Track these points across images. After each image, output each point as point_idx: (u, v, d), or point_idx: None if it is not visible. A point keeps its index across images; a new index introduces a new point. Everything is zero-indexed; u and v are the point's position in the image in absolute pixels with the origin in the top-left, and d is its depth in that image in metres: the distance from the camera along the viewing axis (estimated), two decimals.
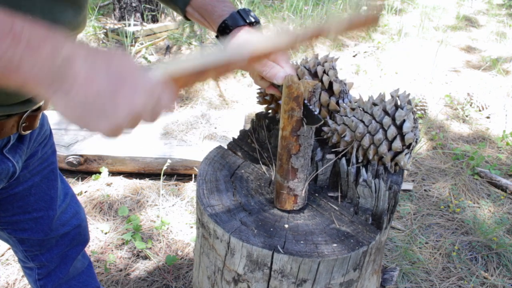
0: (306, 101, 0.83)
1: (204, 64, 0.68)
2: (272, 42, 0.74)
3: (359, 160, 1.00)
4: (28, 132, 1.03)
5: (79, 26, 0.90)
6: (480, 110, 3.68)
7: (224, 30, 0.97)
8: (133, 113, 0.61)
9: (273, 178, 1.03)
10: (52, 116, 2.16)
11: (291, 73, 0.88)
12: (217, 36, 1.02)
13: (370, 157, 0.97)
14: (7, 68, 0.55)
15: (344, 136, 0.98)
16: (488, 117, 3.64)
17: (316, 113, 0.83)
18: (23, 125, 0.98)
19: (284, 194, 0.92)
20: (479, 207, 2.65)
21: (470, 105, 3.71)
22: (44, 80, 0.57)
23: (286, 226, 0.90)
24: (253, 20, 0.97)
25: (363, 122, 0.97)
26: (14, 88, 0.58)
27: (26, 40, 0.55)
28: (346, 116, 1.00)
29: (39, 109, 1.03)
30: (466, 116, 3.63)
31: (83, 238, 1.45)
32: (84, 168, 2.69)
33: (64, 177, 1.40)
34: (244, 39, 0.95)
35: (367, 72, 4.28)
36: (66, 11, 0.83)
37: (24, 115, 0.97)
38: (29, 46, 0.55)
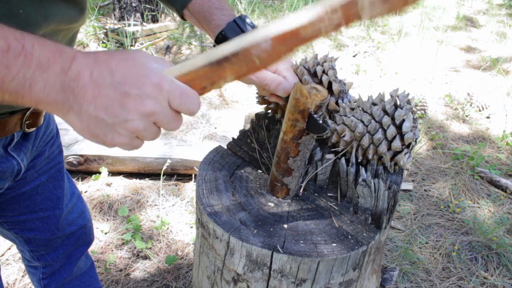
0: (311, 112, 0.81)
1: (221, 55, 0.59)
2: (295, 20, 0.60)
3: (359, 160, 1.00)
4: (32, 129, 1.02)
5: (76, 20, 0.88)
6: (480, 110, 3.67)
7: (222, 41, 0.97)
8: (145, 114, 0.59)
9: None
10: (55, 117, 2.16)
11: (294, 81, 0.88)
12: (214, 45, 1.02)
13: (370, 157, 0.97)
14: (20, 88, 0.55)
15: (343, 136, 0.99)
16: (488, 117, 3.64)
17: (320, 122, 0.81)
18: (27, 122, 0.98)
19: (278, 186, 0.95)
20: (479, 207, 2.65)
21: (470, 105, 3.71)
22: (56, 99, 0.57)
23: (286, 226, 0.90)
24: (250, 28, 0.97)
25: (362, 122, 0.97)
26: (28, 106, 0.58)
27: (37, 60, 0.54)
28: (345, 116, 1.00)
29: None
30: (466, 116, 3.63)
31: (88, 238, 1.45)
32: (84, 168, 2.70)
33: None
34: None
35: (367, 72, 4.28)
36: (58, 4, 0.81)
37: (28, 112, 0.97)
38: (40, 64, 0.55)
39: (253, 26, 0.98)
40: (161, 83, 0.59)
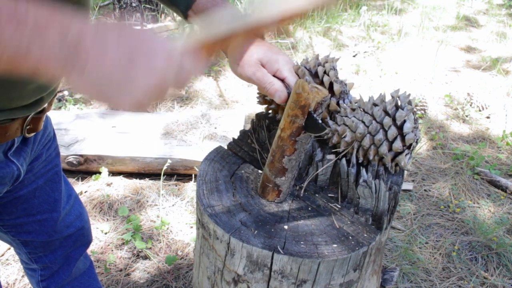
0: (311, 110, 0.81)
1: (232, 29, 0.64)
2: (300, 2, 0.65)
3: (360, 161, 1.00)
4: (32, 134, 1.02)
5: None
6: (480, 110, 3.67)
7: None
8: (154, 81, 0.59)
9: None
10: (54, 117, 2.16)
11: (293, 82, 0.87)
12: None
13: (371, 158, 0.97)
14: (16, 54, 0.53)
15: (344, 137, 0.98)
16: (488, 117, 3.64)
17: (320, 121, 0.81)
18: (27, 127, 0.98)
19: (269, 187, 0.94)
20: (479, 207, 2.65)
21: (470, 105, 3.71)
22: (56, 61, 0.55)
23: (286, 226, 0.90)
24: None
25: (363, 122, 0.97)
26: (27, 74, 0.56)
27: (32, 22, 0.52)
28: (346, 116, 1.00)
29: (43, 111, 1.02)
30: (466, 116, 3.63)
31: (86, 239, 1.45)
32: (84, 168, 2.69)
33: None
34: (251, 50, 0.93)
35: (367, 72, 4.28)
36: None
37: (28, 118, 0.97)
38: (36, 28, 0.53)
39: None
40: (172, 50, 0.61)
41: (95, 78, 0.57)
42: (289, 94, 0.88)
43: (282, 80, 0.94)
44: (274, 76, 0.94)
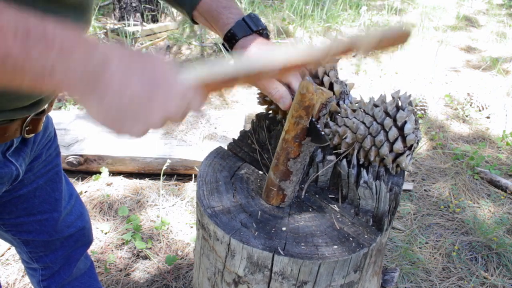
0: (314, 119, 0.81)
1: (236, 72, 0.68)
2: (304, 54, 0.72)
3: (360, 162, 1.00)
4: (31, 135, 1.02)
5: (83, 30, 0.89)
6: (480, 110, 3.67)
7: (231, 39, 0.96)
8: (167, 115, 0.61)
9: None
10: (54, 117, 2.16)
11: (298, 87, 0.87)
12: (223, 44, 1.01)
13: (372, 159, 0.96)
14: (40, 74, 0.54)
15: (345, 138, 0.98)
16: (488, 117, 3.64)
17: (323, 133, 0.81)
18: (27, 128, 0.98)
19: (273, 191, 0.93)
20: (479, 207, 2.66)
21: (470, 105, 3.71)
22: (77, 84, 0.56)
23: (287, 227, 0.89)
24: (259, 28, 0.96)
25: (364, 123, 0.96)
26: (46, 92, 0.57)
27: (59, 45, 0.54)
28: (347, 117, 1.00)
29: (43, 112, 1.02)
30: (466, 116, 3.63)
31: (87, 239, 1.45)
32: (84, 168, 2.69)
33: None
34: (260, 50, 0.94)
35: (367, 72, 4.28)
36: (69, 16, 0.81)
37: (28, 119, 0.96)
38: (62, 51, 0.54)
39: (263, 26, 0.97)
40: (188, 88, 0.63)
41: (113, 106, 0.59)
42: (293, 99, 0.88)
43: (287, 85, 0.94)
44: (279, 80, 0.94)
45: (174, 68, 0.63)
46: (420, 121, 3.46)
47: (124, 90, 0.58)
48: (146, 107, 0.60)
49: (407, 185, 2.78)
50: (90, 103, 0.59)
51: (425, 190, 2.79)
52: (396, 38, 0.74)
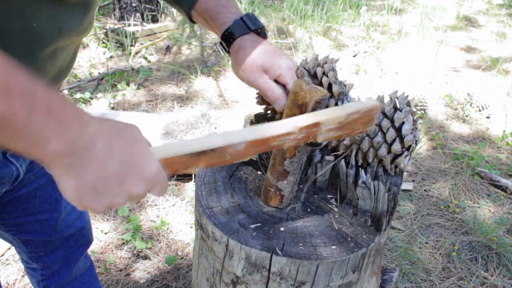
0: None
1: (201, 149, 0.67)
2: (268, 130, 0.71)
3: (359, 163, 1.00)
4: None
5: (86, 31, 0.89)
6: (480, 110, 3.67)
7: (228, 38, 0.97)
8: (138, 192, 0.63)
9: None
10: None
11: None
12: (221, 43, 1.01)
13: (370, 160, 0.97)
14: (34, 143, 0.54)
15: (343, 140, 0.98)
16: (488, 117, 3.64)
17: None
18: None
19: (271, 192, 0.93)
20: (479, 207, 2.65)
21: (470, 105, 3.70)
22: (63, 158, 0.57)
23: (285, 228, 0.90)
24: (257, 27, 0.96)
25: None
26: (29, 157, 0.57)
27: (59, 118, 0.54)
28: None
29: None
30: (466, 116, 3.63)
31: (87, 239, 1.45)
32: None
33: None
34: (256, 49, 0.94)
35: (367, 72, 4.28)
36: (73, 17, 0.81)
37: None
38: (60, 125, 0.54)
39: (261, 26, 0.98)
40: (157, 173, 0.64)
41: (89, 183, 0.59)
42: None
43: (284, 86, 0.94)
44: (276, 80, 0.94)
45: (148, 150, 0.64)
46: (420, 121, 3.46)
47: (103, 169, 0.59)
48: (117, 187, 0.61)
49: (407, 185, 2.78)
50: (67, 178, 0.59)
51: (425, 190, 2.79)
52: (363, 116, 0.75)
